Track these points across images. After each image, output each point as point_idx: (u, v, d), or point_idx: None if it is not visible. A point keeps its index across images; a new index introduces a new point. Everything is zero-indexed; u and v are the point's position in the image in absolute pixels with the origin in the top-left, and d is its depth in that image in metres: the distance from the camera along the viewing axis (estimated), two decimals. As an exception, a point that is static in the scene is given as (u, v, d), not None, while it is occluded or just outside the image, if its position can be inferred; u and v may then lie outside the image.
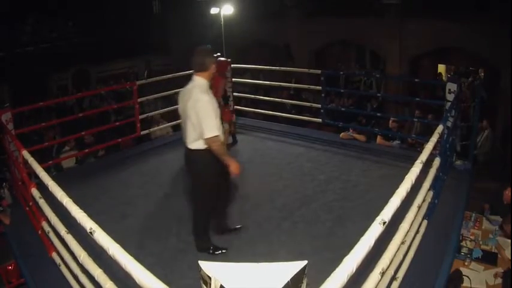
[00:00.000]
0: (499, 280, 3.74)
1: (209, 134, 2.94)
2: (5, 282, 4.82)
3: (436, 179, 3.11)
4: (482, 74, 11.24)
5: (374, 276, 1.73)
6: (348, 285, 1.37)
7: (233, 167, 3.09)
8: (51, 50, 12.85)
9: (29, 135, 7.91)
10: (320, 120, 6.06)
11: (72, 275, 2.63)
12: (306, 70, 6.60)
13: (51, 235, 2.88)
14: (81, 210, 2.01)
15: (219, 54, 5.65)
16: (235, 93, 6.77)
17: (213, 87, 4.32)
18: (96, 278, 1.92)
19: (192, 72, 3.16)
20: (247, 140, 6.14)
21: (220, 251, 3.37)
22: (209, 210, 3.36)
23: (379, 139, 5.93)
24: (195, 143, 3.05)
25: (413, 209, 2.34)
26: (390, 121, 6.41)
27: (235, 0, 11.46)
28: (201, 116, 2.92)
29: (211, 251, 3.36)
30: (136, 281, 1.52)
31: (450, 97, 4.47)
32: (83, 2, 13.08)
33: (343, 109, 7.52)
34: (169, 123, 7.07)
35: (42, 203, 2.70)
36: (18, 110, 4.94)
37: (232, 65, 6.28)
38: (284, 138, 6.11)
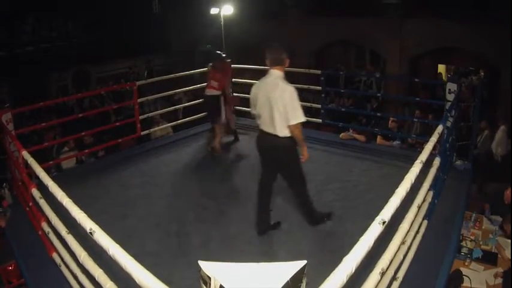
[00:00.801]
0: (499, 280, 3.74)
1: (297, 120, 3.18)
2: (5, 282, 4.82)
3: (436, 179, 3.11)
4: (482, 74, 11.25)
5: (374, 276, 1.73)
6: (348, 285, 1.37)
7: (306, 153, 3.40)
8: (51, 50, 12.84)
9: (29, 135, 7.92)
10: (320, 120, 6.06)
11: (73, 275, 2.63)
12: (305, 70, 6.60)
13: (52, 235, 2.88)
14: (81, 211, 2.01)
15: (220, 52, 5.83)
16: (235, 94, 6.78)
17: (224, 80, 5.36)
18: (96, 278, 1.92)
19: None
20: (247, 140, 6.13)
21: (329, 215, 3.73)
22: (306, 187, 3.59)
23: (379, 139, 5.93)
24: (284, 131, 3.24)
25: (413, 209, 2.34)
26: (390, 121, 6.41)
27: (235, 0, 11.46)
28: (289, 103, 3.16)
29: (326, 219, 3.69)
30: (137, 281, 1.52)
31: (450, 97, 4.48)
32: (83, 1, 13.07)
33: (343, 109, 7.53)
34: (170, 124, 7.08)
35: (42, 203, 2.70)
36: (18, 110, 4.94)
37: (232, 65, 6.31)
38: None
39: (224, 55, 5.86)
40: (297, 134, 3.23)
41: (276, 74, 3.31)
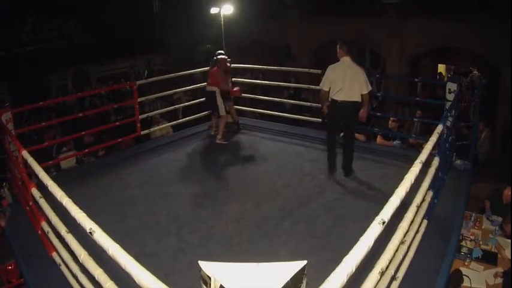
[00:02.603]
0: (499, 280, 3.74)
1: (368, 90, 4.47)
2: (5, 282, 4.82)
3: (435, 178, 3.11)
4: (476, 72, 11.27)
5: (373, 276, 1.73)
6: (348, 285, 1.37)
7: (365, 114, 4.54)
8: (51, 49, 12.83)
9: (29, 135, 7.92)
10: (320, 120, 6.05)
11: (72, 275, 2.63)
12: (306, 70, 6.60)
13: (51, 235, 2.88)
14: (80, 210, 2.01)
15: (222, 52, 6.09)
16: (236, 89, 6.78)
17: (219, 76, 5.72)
18: (96, 278, 1.92)
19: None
20: (247, 140, 6.14)
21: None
22: None
23: (379, 139, 5.93)
24: (358, 97, 4.45)
25: (413, 209, 2.34)
26: (390, 121, 6.41)
27: (235, 0, 11.46)
28: (363, 79, 4.44)
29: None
30: (136, 281, 1.52)
31: (450, 97, 4.48)
32: (83, 1, 13.08)
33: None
34: (170, 123, 7.07)
35: (42, 202, 2.70)
36: (18, 109, 4.94)
37: (232, 65, 6.31)
38: (284, 138, 6.11)
39: (222, 52, 6.06)
40: (367, 98, 4.48)
41: (349, 60, 4.50)
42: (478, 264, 3.94)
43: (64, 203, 2.12)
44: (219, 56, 5.90)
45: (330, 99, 4.58)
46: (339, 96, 4.47)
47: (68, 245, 2.29)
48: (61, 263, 2.89)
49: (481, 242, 4.25)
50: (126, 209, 4.19)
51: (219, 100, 5.74)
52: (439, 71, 12.05)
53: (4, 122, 4.29)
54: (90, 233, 1.81)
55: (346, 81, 4.41)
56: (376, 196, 4.12)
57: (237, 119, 6.52)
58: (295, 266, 1.22)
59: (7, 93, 11.81)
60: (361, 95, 4.43)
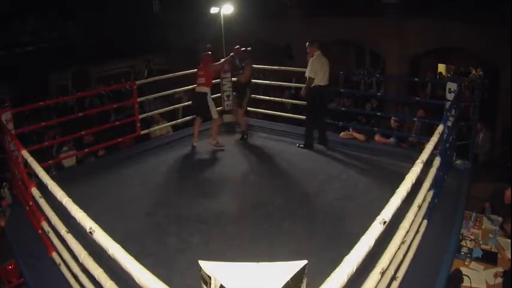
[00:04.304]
0: (499, 280, 3.73)
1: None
2: (5, 282, 4.83)
3: (436, 178, 3.10)
4: (475, 72, 11.27)
5: (374, 275, 1.73)
6: (348, 285, 1.37)
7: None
8: (51, 50, 12.83)
9: (29, 135, 7.92)
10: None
11: (72, 275, 2.63)
12: (305, 70, 6.60)
13: (51, 235, 2.88)
14: (80, 210, 2.00)
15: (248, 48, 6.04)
16: (235, 93, 6.77)
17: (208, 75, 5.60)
18: (96, 278, 1.91)
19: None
20: (247, 140, 6.14)
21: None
22: None
23: (377, 137, 5.94)
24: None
25: (414, 209, 2.34)
26: (392, 121, 6.40)
27: (235, 0, 11.45)
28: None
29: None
30: (136, 280, 1.52)
31: (450, 97, 4.47)
32: (83, 1, 13.08)
33: (343, 109, 7.52)
34: (169, 123, 7.07)
35: (42, 202, 2.69)
36: (18, 109, 4.94)
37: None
38: (284, 138, 6.11)
39: (207, 52, 5.91)
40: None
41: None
42: (478, 264, 3.93)
43: (64, 203, 2.12)
44: (203, 54, 5.78)
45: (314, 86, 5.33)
46: (323, 82, 5.39)
47: (68, 244, 2.28)
48: (61, 262, 2.89)
49: (481, 242, 4.24)
50: (126, 209, 4.18)
51: (210, 102, 5.57)
52: (439, 70, 12.05)
53: (4, 122, 4.29)
54: (90, 232, 1.81)
55: (327, 70, 5.38)
56: (377, 196, 4.12)
57: (246, 128, 6.14)
58: (295, 266, 1.22)
59: (7, 93, 11.80)
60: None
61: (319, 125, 5.66)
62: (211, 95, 5.72)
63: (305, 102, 5.70)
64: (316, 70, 5.29)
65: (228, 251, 3.39)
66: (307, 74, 5.36)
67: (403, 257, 2.56)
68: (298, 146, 5.64)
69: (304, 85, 5.43)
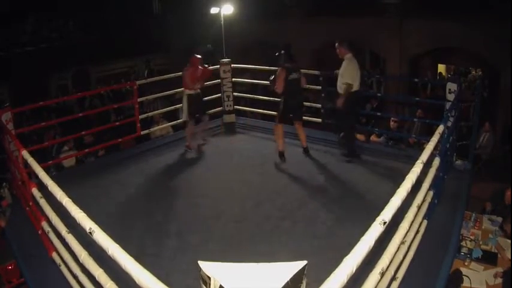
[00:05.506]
0: (499, 280, 3.73)
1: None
2: (5, 282, 4.83)
3: (436, 178, 3.10)
4: (477, 72, 11.26)
5: (374, 276, 1.73)
6: (348, 285, 1.37)
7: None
8: (51, 50, 12.82)
9: (28, 135, 7.92)
10: (320, 120, 6.05)
11: (72, 275, 2.63)
12: (305, 70, 6.60)
13: (51, 235, 2.88)
14: (80, 210, 2.01)
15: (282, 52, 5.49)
16: (235, 93, 6.78)
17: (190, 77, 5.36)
18: (96, 278, 1.91)
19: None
20: (247, 140, 6.14)
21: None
22: None
23: (373, 136, 5.96)
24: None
25: (413, 209, 2.34)
26: (391, 121, 6.41)
27: (235, 0, 11.45)
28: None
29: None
30: (136, 281, 1.52)
31: (450, 97, 4.47)
32: (83, 1, 13.07)
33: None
34: (170, 123, 7.07)
35: (42, 202, 2.69)
36: (18, 109, 4.95)
37: (232, 65, 6.31)
38: (284, 138, 6.10)
39: (198, 55, 5.54)
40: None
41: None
42: (478, 265, 3.93)
43: (64, 203, 2.12)
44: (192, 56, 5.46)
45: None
46: (357, 86, 5.02)
47: (68, 245, 2.29)
48: (61, 263, 2.89)
49: (481, 242, 4.24)
50: (126, 209, 4.18)
51: (184, 104, 5.47)
52: (439, 71, 12.04)
53: (4, 122, 4.29)
54: (90, 232, 1.81)
55: (358, 74, 5.00)
56: (376, 196, 4.11)
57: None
58: (295, 266, 1.22)
59: (7, 93, 11.79)
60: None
61: (347, 129, 5.25)
62: (206, 96, 5.68)
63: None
64: (353, 75, 4.90)
65: (228, 251, 3.39)
66: (345, 81, 4.83)
67: (403, 257, 2.56)
68: (347, 161, 5.07)
69: (341, 92, 4.93)
